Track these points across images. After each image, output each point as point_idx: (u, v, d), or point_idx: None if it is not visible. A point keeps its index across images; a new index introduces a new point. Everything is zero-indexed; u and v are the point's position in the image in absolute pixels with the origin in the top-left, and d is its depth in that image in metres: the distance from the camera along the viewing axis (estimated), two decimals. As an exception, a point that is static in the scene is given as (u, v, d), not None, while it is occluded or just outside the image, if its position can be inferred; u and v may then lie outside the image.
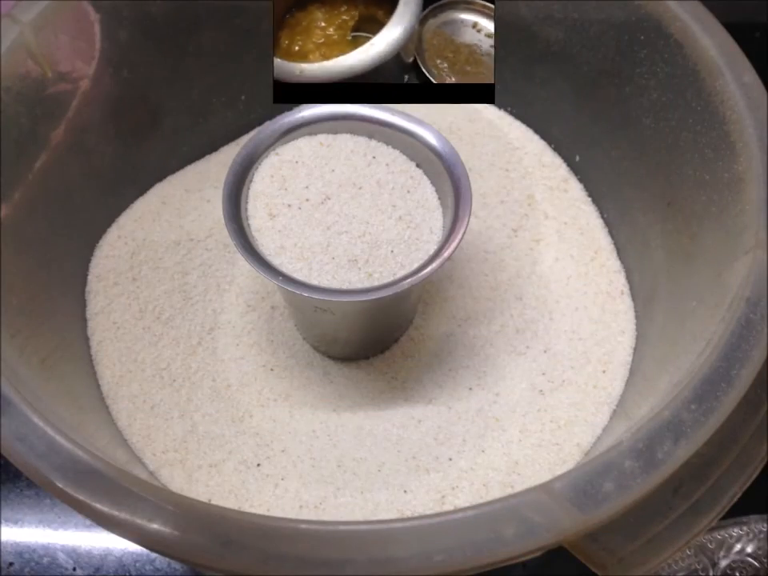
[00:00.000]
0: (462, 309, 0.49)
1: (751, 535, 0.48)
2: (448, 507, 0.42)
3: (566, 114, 0.51)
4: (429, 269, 0.40)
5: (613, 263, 0.50)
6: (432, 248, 0.42)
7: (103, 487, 0.33)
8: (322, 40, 0.45)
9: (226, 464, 0.44)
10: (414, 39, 0.45)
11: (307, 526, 0.33)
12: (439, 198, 0.43)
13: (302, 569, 0.32)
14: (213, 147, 0.54)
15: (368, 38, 0.45)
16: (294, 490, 0.43)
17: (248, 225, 0.42)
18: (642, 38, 0.45)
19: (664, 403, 0.35)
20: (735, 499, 0.37)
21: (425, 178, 0.44)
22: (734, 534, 0.48)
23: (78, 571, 0.53)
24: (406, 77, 0.45)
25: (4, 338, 0.39)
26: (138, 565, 0.52)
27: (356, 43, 0.45)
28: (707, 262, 0.41)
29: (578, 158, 0.52)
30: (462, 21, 0.46)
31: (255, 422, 0.45)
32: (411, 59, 0.45)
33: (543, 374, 0.46)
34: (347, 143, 0.44)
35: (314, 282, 0.41)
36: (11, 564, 0.52)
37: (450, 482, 0.43)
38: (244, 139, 0.51)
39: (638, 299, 0.48)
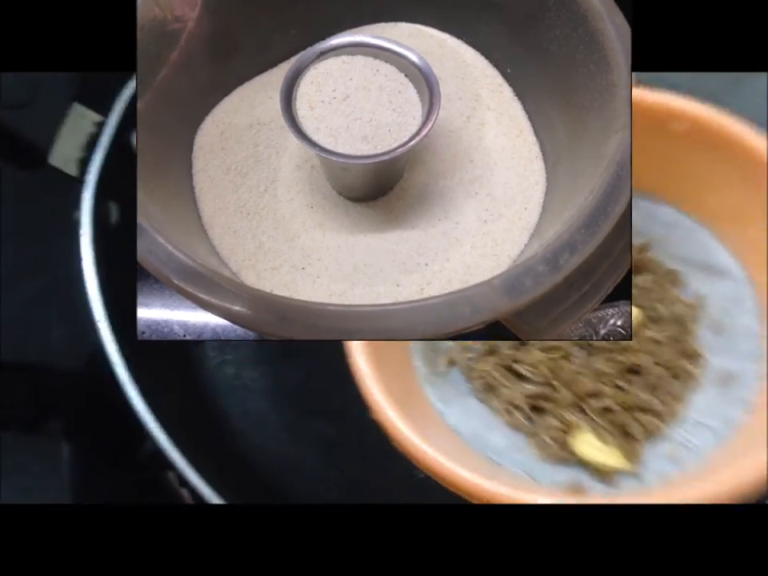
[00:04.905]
0: (433, 167, 0.54)
1: (620, 314, 0.56)
2: (425, 295, 0.48)
3: (502, 43, 0.56)
4: (413, 142, 0.45)
5: (531, 139, 0.56)
6: (415, 128, 0.47)
7: (203, 282, 0.39)
8: None
9: (282, 268, 0.50)
10: None
11: (334, 308, 0.38)
12: (419, 96, 0.48)
13: (329, 335, 0.37)
14: (274, 64, 0.59)
15: None
16: (325, 285, 0.49)
17: (296, 113, 0.47)
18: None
19: (564, 228, 0.40)
20: (609, 291, 0.44)
21: (410, 83, 0.49)
22: (609, 313, 0.56)
23: (187, 336, 0.61)
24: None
25: (140, 187, 0.43)
26: (225, 333, 0.61)
27: None
28: (592, 139, 0.46)
29: (509, 71, 0.57)
30: None
31: (301, 242, 0.51)
32: None
33: (486, 210, 0.52)
34: (360, 61, 0.49)
35: (340, 150, 0.46)
36: (143, 332, 0.61)
37: (427, 279, 0.49)
38: (293, 59, 0.54)
39: (548, 162, 0.53)
